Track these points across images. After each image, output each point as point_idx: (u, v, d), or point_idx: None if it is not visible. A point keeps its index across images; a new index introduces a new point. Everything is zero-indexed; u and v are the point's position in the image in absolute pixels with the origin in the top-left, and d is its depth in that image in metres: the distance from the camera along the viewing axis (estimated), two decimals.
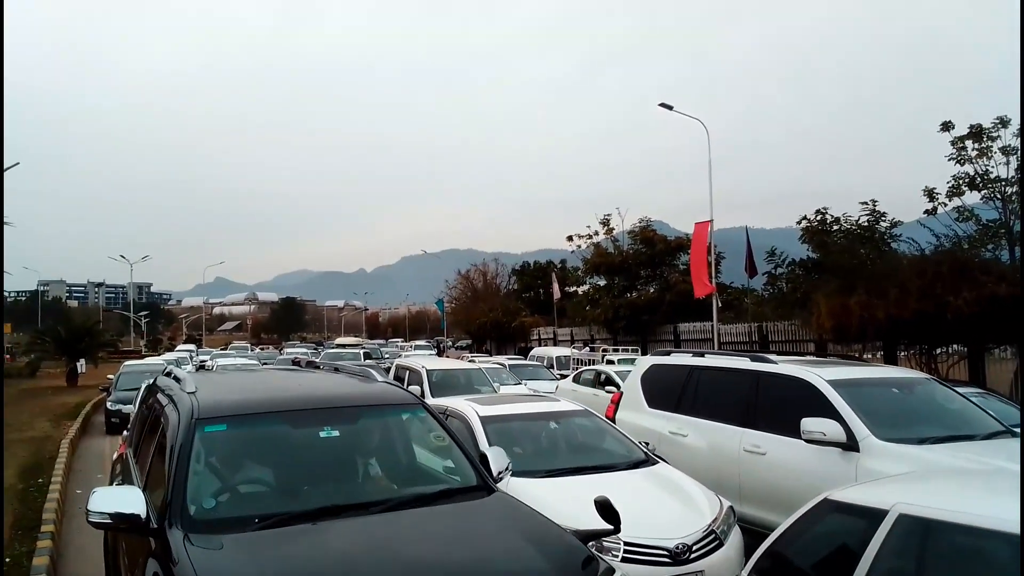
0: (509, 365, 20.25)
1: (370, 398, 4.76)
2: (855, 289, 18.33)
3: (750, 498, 6.54)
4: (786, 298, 23.88)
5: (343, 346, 39.84)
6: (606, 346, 28.03)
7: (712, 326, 23.81)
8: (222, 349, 49.02)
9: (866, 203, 21.79)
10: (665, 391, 8.07)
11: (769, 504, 6.22)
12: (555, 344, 36.48)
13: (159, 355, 39.48)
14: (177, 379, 4.99)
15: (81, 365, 30.16)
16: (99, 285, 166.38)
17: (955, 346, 18.16)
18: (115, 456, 7.18)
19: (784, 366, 6.99)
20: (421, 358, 16.82)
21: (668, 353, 8.89)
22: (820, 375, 6.51)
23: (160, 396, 5.06)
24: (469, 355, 34.72)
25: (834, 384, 6.35)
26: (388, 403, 4.78)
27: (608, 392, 15.49)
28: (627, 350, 25.90)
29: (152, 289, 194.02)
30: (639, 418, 8.12)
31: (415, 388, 11.82)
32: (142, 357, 37.65)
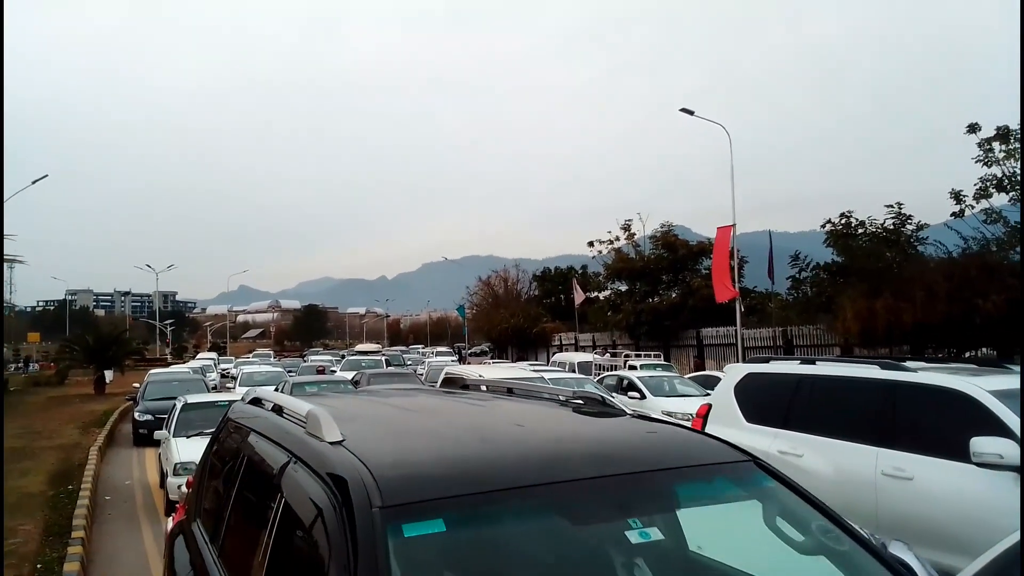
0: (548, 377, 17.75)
1: (681, 452, 2.54)
2: (881, 292, 18.15)
3: (891, 529, 5.46)
4: (811, 302, 23.67)
5: (363, 353, 39.27)
6: (628, 351, 27.90)
7: (736, 331, 23.62)
8: (244, 356, 49.19)
9: (891, 206, 21.58)
10: (768, 404, 7.03)
11: (920, 539, 5.03)
12: (576, 350, 36.38)
13: (184, 362, 40.03)
14: (284, 412, 2.95)
15: (109, 375, 30.56)
16: (125, 294, 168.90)
17: (984, 349, 17.88)
18: (169, 526, 4.41)
19: (927, 375, 5.95)
20: (475, 367, 15.34)
21: (766, 360, 7.85)
22: (980, 386, 5.55)
23: (260, 443, 2.97)
24: (489, 360, 34.78)
25: (999, 396, 5.37)
26: (710, 462, 2.49)
27: (631, 398, 15.39)
28: (649, 355, 25.77)
29: (177, 298, 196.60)
30: (737, 435, 6.74)
31: None
32: (168, 365, 37.99)
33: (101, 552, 8.00)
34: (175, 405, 12.02)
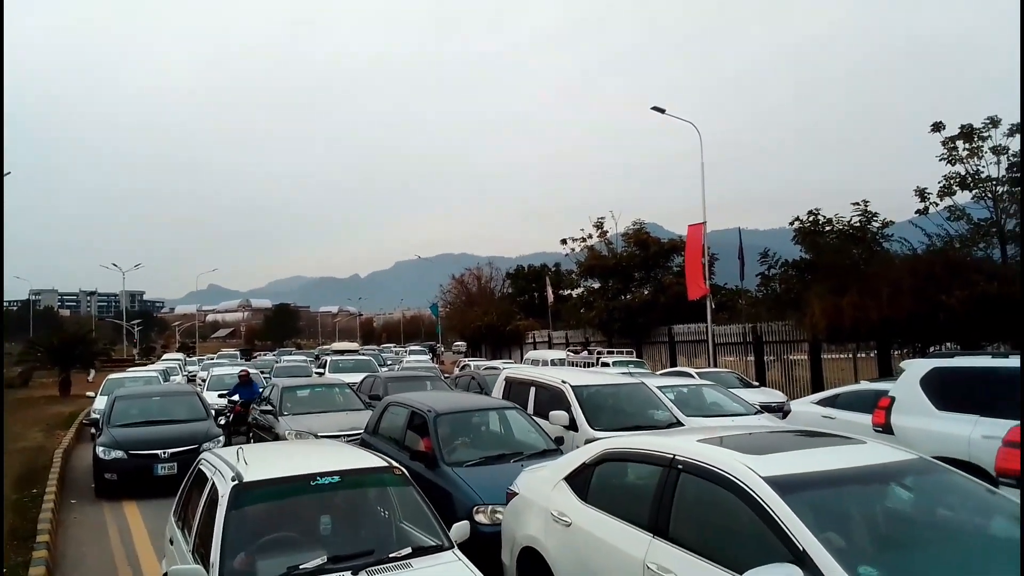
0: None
1: None
2: (847, 289, 18.43)
3: None
4: (780, 299, 23.98)
5: (341, 352, 35.91)
6: (601, 348, 28.04)
7: (707, 327, 23.87)
8: (211, 357, 46.59)
9: (858, 203, 21.95)
10: (962, 394, 7.64)
11: None
12: (549, 347, 36.49)
13: (149, 363, 38.74)
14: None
15: (91, 374, 29.95)
16: (91, 294, 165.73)
17: (948, 344, 18.25)
18: None
19: None
20: (555, 369, 12.94)
21: (951, 355, 8.57)
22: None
23: None
24: (464, 360, 34.67)
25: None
26: None
27: None
28: (622, 352, 25.94)
29: (145, 297, 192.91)
30: (929, 422, 7.73)
31: (558, 414, 8.97)
32: (135, 365, 37.01)
33: (67, 557, 7.85)
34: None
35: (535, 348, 37.86)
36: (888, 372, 18.58)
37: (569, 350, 30.54)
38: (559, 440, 7.99)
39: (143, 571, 7.24)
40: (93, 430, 12.70)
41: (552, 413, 8.99)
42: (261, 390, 14.87)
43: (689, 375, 16.10)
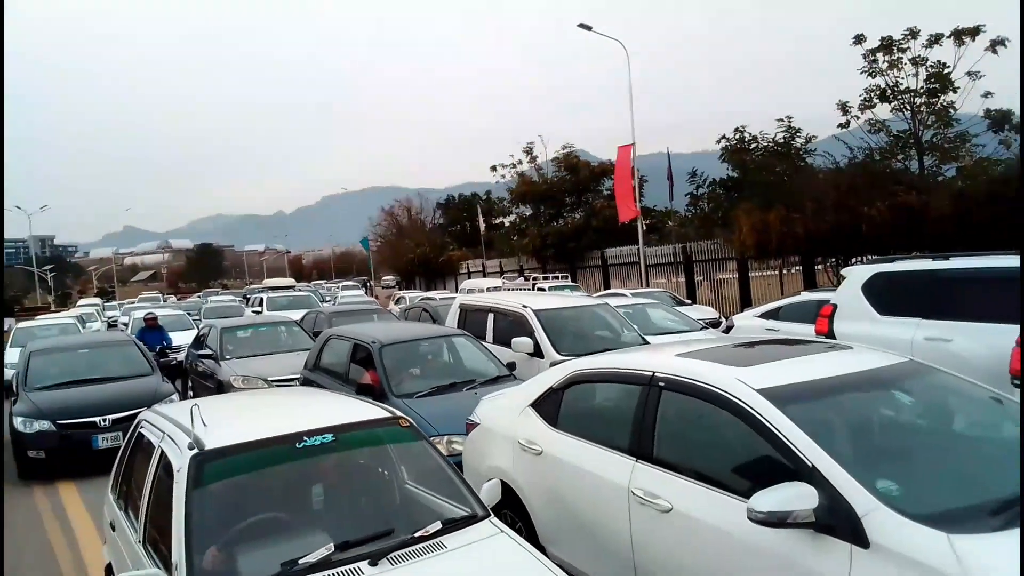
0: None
1: None
2: (773, 205, 18.76)
3: None
4: (708, 217, 24.31)
5: (275, 288, 32.69)
6: (536, 275, 28.07)
7: (639, 249, 24.08)
8: (131, 302, 43.69)
9: (782, 120, 22.13)
10: (903, 298, 7.56)
11: None
12: (484, 276, 36.37)
13: (66, 311, 36.54)
14: None
15: (11, 323, 28.17)
16: None
17: (870, 256, 18.89)
18: None
19: None
20: (514, 295, 12.28)
21: (891, 260, 8.35)
22: None
23: None
24: (398, 293, 34.26)
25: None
26: None
27: None
28: (557, 277, 26.03)
29: (56, 242, 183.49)
30: (871, 328, 7.55)
31: (522, 341, 8.53)
32: (52, 313, 35.07)
33: None
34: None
35: (469, 278, 37.68)
36: (813, 286, 19.18)
37: (504, 278, 30.50)
38: (511, 366, 7.83)
39: (88, 563, 6.06)
40: (5, 395, 10.09)
41: (515, 340, 8.57)
42: (171, 338, 13.70)
43: (624, 296, 16.24)
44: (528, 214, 35.12)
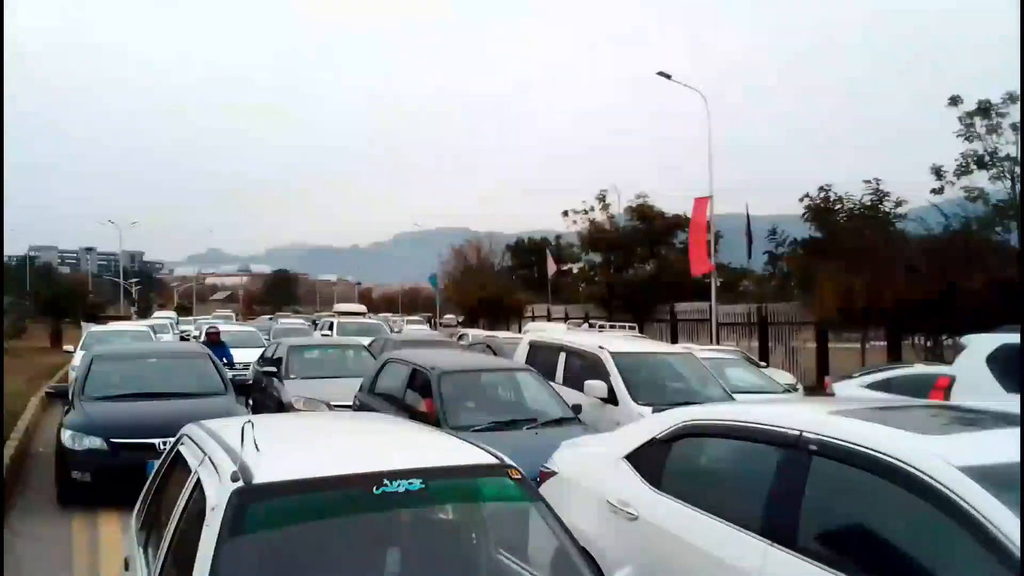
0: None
1: None
2: (860, 270, 17.87)
3: None
4: (787, 279, 23.40)
5: (345, 314, 30.94)
6: (604, 323, 27.50)
7: (711, 306, 23.31)
8: (203, 318, 44.50)
9: (869, 181, 21.18)
10: None
11: None
12: (548, 321, 35.94)
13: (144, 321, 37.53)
14: None
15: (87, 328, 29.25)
16: (89, 250, 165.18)
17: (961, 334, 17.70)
18: None
19: None
20: (589, 334, 11.71)
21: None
22: None
23: None
24: (461, 330, 34.14)
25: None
26: None
27: None
28: (624, 327, 25.42)
29: (145, 258, 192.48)
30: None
31: (595, 384, 7.95)
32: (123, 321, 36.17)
33: (25, 535, 6.65)
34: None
35: (533, 321, 37.30)
36: (898, 360, 18.04)
37: (569, 324, 30.03)
38: (576, 408, 7.29)
39: None
40: (61, 403, 8.53)
41: (588, 383, 7.93)
42: (231, 355, 13.29)
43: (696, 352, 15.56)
44: (598, 261, 34.74)
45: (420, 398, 7.03)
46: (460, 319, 52.22)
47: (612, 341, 9.43)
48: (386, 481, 2.59)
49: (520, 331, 32.48)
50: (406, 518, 3.01)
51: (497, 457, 3.05)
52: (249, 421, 2.90)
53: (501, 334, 23.95)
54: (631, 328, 24.79)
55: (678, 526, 3.38)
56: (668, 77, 22.93)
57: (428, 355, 8.47)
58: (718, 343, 22.23)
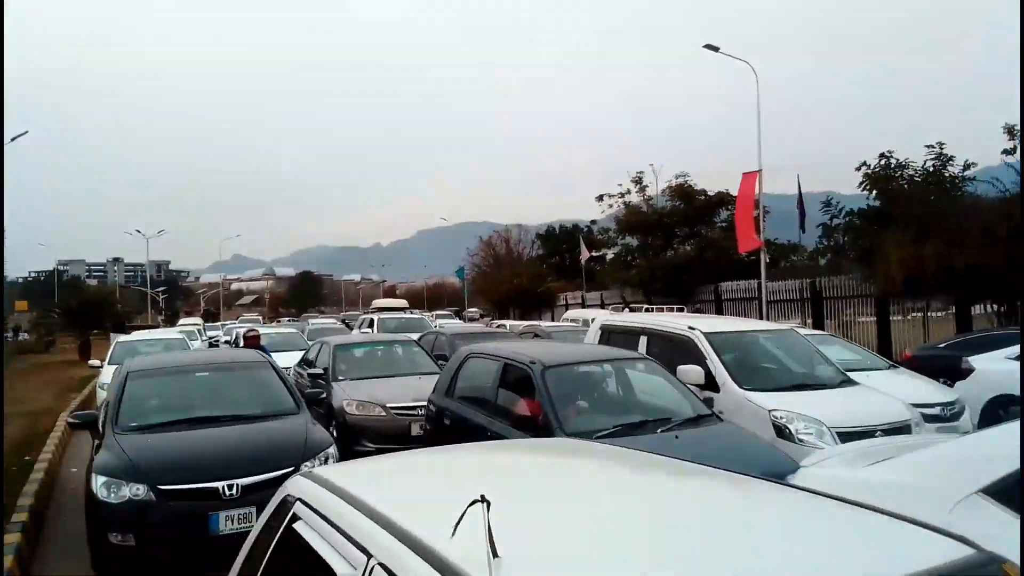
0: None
1: None
2: (929, 237, 16.68)
3: None
4: (842, 252, 22.13)
5: (385, 310, 29.77)
6: (648, 306, 26.37)
7: (760, 284, 22.12)
8: (231, 322, 43.96)
9: (932, 146, 19.81)
10: None
11: None
12: (583, 308, 34.87)
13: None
14: None
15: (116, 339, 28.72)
16: (116, 261, 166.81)
17: None
18: None
19: None
20: (674, 316, 10.94)
21: None
22: None
23: None
24: (496, 322, 33.18)
25: None
26: None
27: None
28: (672, 309, 24.33)
29: (171, 267, 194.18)
30: None
31: (690, 369, 7.02)
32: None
33: (52, 541, 6.43)
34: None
35: (567, 309, 36.25)
36: (968, 330, 16.83)
37: (609, 309, 28.93)
38: (708, 402, 6.25)
39: None
40: (91, 431, 6.52)
41: (680, 368, 6.92)
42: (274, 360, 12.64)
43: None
44: (635, 245, 33.59)
45: (518, 398, 5.90)
46: (482, 312, 51.17)
47: (700, 320, 8.42)
48: None
49: (553, 320, 31.50)
50: None
51: (984, 552, 1.59)
52: (482, 499, 1.47)
53: (543, 323, 22.98)
54: (679, 309, 23.66)
55: None
56: (715, 50, 21.80)
57: (520, 347, 7.33)
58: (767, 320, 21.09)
